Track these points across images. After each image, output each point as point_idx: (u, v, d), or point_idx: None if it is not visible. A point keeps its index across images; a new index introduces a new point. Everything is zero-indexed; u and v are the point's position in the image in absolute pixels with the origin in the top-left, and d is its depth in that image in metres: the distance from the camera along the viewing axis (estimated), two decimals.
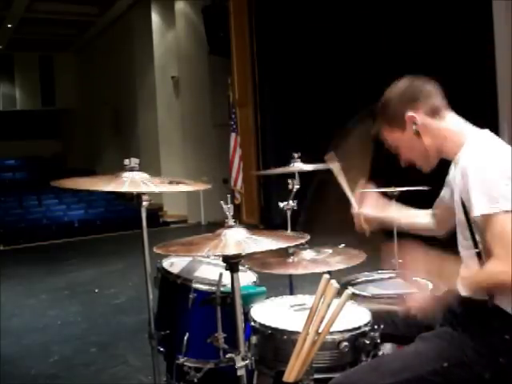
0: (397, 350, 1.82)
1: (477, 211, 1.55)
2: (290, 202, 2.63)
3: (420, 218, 2.07)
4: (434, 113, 1.73)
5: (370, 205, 2.12)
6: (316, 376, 1.70)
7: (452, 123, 1.74)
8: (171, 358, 2.11)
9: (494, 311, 1.61)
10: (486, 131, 1.72)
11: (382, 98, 1.79)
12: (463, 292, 1.71)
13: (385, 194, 2.57)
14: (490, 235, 1.54)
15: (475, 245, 1.63)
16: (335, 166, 2.24)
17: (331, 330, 1.60)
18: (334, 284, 1.55)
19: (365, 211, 2.11)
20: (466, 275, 1.66)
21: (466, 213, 1.62)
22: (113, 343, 4.28)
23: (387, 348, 1.94)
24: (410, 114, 1.73)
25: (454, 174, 1.73)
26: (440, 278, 1.72)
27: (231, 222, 1.73)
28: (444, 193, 1.90)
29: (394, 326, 1.93)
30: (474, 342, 1.62)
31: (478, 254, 1.63)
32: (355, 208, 2.15)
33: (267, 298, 2.13)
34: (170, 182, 2.05)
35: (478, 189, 1.55)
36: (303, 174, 2.71)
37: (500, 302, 1.60)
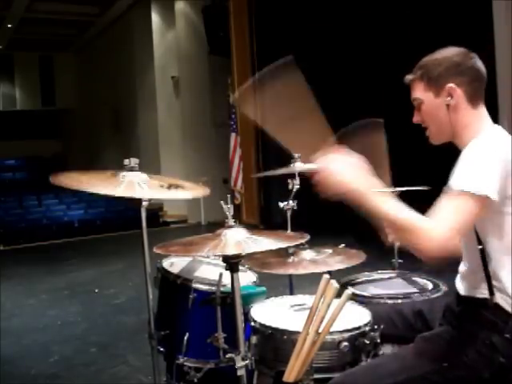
0: (396, 350, 1.82)
1: (451, 185, 1.53)
2: (290, 201, 2.63)
3: None
4: (472, 98, 1.68)
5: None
6: (316, 376, 1.70)
7: (479, 116, 1.69)
8: (171, 357, 2.11)
9: (493, 310, 1.61)
10: (498, 126, 1.70)
11: (436, 53, 1.72)
12: (462, 291, 1.72)
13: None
14: (439, 204, 1.51)
15: (479, 241, 1.62)
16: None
17: (331, 329, 1.60)
18: (334, 284, 1.55)
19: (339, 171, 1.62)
20: (386, 206, 1.55)
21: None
22: (113, 343, 4.27)
23: (387, 348, 1.94)
24: (452, 85, 1.67)
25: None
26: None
27: (231, 222, 1.73)
28: None
29: (394, 326, 1.93)
30: (473, 342, 1.62)
31: (481, 251, 1.62)
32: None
33: (267, 298, 2.13)
34: (169, 187, 2.03)
35: (460, 166, 1.55)
36: (303, 174, 2.71)
37: (500, 301, 1.60)
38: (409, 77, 1.75)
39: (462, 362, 1.60)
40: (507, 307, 1.59)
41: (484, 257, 1.62)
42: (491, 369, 1.59)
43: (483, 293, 1.63)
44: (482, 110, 1.71)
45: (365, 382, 1.62)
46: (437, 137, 1.75)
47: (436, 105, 1.70)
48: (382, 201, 1.55)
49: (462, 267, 1.74)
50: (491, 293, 1.61)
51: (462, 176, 1.52)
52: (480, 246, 1.62)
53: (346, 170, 1.57)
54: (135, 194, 1.95)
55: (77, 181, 1.96)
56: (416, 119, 1.76)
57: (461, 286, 1.73)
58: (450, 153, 1.79)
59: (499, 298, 1.60)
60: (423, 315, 1.92)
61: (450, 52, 1.71)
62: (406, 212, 1.53)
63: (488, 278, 1.61)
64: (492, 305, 1.61)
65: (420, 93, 1.73)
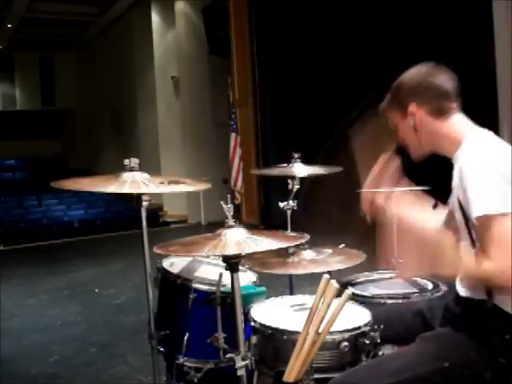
0: (397, 350, 1.82)
1: (475, 212, 1.54)
2: (290, 201, 2.63)
3: (431, 222, 1.98)
4: (438, 113, 1.72)
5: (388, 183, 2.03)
6: (316, 376, 1.70)
7: (454, 125, 1.72)
8: (171, 357, 2.11)
9: (493, 311, 1.61)
10: (485, 130, 1.71)
11: (399, 78, 1.78)
12: (462, 292, 1.71)
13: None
14: (488, 237, 1.52)
15: (473, 244, 1.63)
16: (355, 142, 2.21)
17: (331, 329, 1.60)
18: (334, 284, 1.55)
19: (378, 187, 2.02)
20: (466, 269, 1.63)
21: (464, 212, 1.62)
22: (113, 343, 4.28)
23: (387, 348, 1.94)
24: (412, 108, 1.72)
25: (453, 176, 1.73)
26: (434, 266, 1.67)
27: (231, 222, 1.73)
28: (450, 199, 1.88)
29: (394, 327, 1.92)
30: (474, 342, 1.62)
31: (476, 254, 1.63)
32: (366, 187, 2.07)
33: (267, 298, 2.13)
34: (170, 182, 2.05)
35: (475, 190, 1.54)
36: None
37: (499, 302, 1.60)
38: (381, 106, 1.84)
39: (463, 363, 1.60)
40: (506, 308, 1.59)
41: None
42: (492, 369, 1.59)
43: (482, 294, 1.63)
44: (457, 118, 1.73)
45: (365, 381, 1.62)
46: (416, 155, 1.81)
47: (405, 127, 1.77)
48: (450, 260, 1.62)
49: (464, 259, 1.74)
50: (489, 294, 1.61)
51: (489, 199, 1.52)
52: (475, 249, 1.62)
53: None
54: (141, 189, 1.97)
55: (79, 183, 1.98)
56: (399, 141, 1.84)
57: (460, 288, 1.73)
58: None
59: (498, 300, 1.60)
60: (423, 315, 1.92)
61: (412, 73, 1.76)
62: (471, 264, 1.58)
63: None
64: (491, 306, 1.61)
65: (392, 118, 1.81)
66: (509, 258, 1.47)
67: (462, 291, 1.71)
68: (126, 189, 1.95)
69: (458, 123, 1.72)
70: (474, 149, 1.61)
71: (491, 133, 1.70)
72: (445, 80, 1.72)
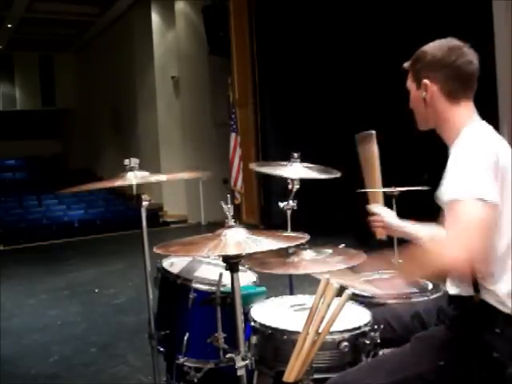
0: (393, 350, 1.82)
1: (446, 196, 1.53)
2: (290, 201, 2.63)
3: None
4: (450, 95, 1.69)
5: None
6: (316, 376, 1.70)
7: (460, 112, 1.69)
8: (171, 357, 2.11)
9: (480, 306, 1.61)
10: (483, 123, 1.70)
11: (425, 46, 1.74)
12: (451, 290, 1.72)
13: (384, 194, 2.57)
14: (448, 217, 1.51)
15: None
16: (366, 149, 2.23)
17: (331, 329, 1.60)
18: (334, 284, 1.55)
19: (387, 216, 2.14)
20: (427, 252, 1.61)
21: None
22: (113, 343, 4.28)
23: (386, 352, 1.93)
24: (426, 81, 1.70)
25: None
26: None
27: (231, 222, 1.72)
28: None
29: (392, 330, 1.93)
30: (466, 340, 1.62)
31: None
32: (375, 208, 2.16)
33: (267, 297, 2.13)
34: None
35: (451, 175, 1.55)
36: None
37: (486, 297, 1.60)
38: (405, 65, 1.81)
39: (458, 360, 1.61)
40: (494, 303, 1.60)
41: None
42: (486, 365, 1.59)
43: (469, 291, 1.63)
44: (465, 107, 1.70)
45: (363, 381, 1.63)
46: (420, 124, 1.80)
47: (417, 96, 1.76)
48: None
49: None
50: (476, 290, 1.61)
51: (460, 183, 1.51)
52: None
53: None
54: (142, 180, 2.05)
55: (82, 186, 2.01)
56: (410, 105, 1.82)
57: (449, 286, 1.74)
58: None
59: (485, 295, 1.60)
60: (420, 317, 1.93)
61: (437, 46, 1.72)
62: (426, 254, 1.58)
63: (472, 275, 1.61)
64: (479, 302, 1.61)
65: (409, 82, 1.80)
66: (460, 238, 1.44)
67: (451, 289, 1.72)
68: (128, 181, 2.01)
69: (465, 112, 1.70)
70: (466, 140, 1.61)
71: (490, 127, 1.69)
72: (468, 62, 1.68)
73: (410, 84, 1.78)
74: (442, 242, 1.51)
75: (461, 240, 1.44)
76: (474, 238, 1.45)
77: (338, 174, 2.64)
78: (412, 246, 1.80)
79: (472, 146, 1.58)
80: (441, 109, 1.70)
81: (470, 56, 1.68)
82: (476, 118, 1.71)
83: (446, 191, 1.55)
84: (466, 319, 1.64)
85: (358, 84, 6.95)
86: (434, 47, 1.71)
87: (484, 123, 1.70)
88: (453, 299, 1.71)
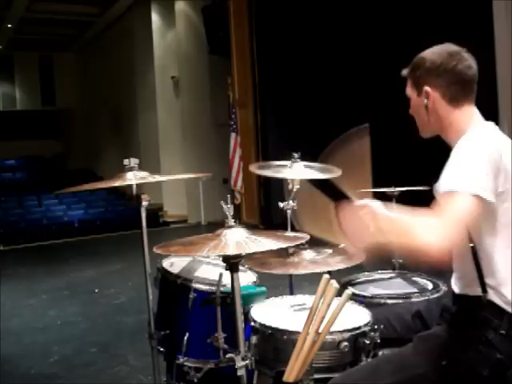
0: (395, 350, 1.82)
1: (441, 188, 1.53)
2: (290, 201, 2.63)
3: None
4: (452, 100, 1.68)
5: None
6: (316, 376, 1.70)
7: (464, 115, 1.69)
8: (171, 357, 2.11)
9: (488, 307, 1.61)
10: (489, 123, 1.70)
11: (423, 53, 1.74)
12: (457, 290, 1.72)
13: (384, 194, 2.57)
14: (441, 206, 1.49)
15: (470, 239, 1.62)
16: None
17: (331, 329, 1.60)
18: (334, 284, 1.55)
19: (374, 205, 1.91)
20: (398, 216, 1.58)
21: None
22: (113, 343, 4.27)
23: (387, 351, 1.93)
24: (427, 88, 1.69)
25: None
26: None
27: (231, 222, 1.72)
28: None
29: (393, 329, 1.93)
30: (470, 339, 1.62)
31: (473, 248, 1.62)
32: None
33: (267, 298, 2.13)
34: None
35: (454, 166, 1.54)
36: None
37: (493, 298, 1.60)
38: (403, 72, 1.80)
39: (461, 360, 1.61)
40: (501, 304, 1.60)
41: (476, 255, 1.62)
42: (489, 366, 1.59)
43: (476, 291, 1.63)
44: (468, 110, 1.70)
45: (364, 381, 1.62)
46: (422, 131, 1.79)
47: (418, 103, 1.75)
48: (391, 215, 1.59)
49: (455, 266, 1.74)
50: (484, 290, 1.61)
51: (456, 176, 1.51)
52: (471, 244, 1.62)
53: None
54: (143, 180, 2.06)
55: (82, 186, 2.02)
56: (410, 112, 1.81)
57: (455, 285, 1.74)
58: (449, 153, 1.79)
59: (492, 295, 1.60)
60: (421, 316, 1.92)
61: (436, 52, 1.72)
62: (409, 215, 1.52)
63: (480, 275, 1.61)
64: (485, 302, 1.61)
65: (408, 90, 1.79)
66: (445, 227, 1.43)
67: (457, 288, 1.72)
68: (129, 180, 2.02)
69: (468, 114, 1.70)
70: (468, 138, 1.61)
71: (497, 128, 1.69)
72: (467, 67, 1.68)
73: (410, 91, 1.77)
74: (424, 222, 1.45)
75: (444, 229, 1.43)
76: (456, 230, 1.45)
77: (338, 173, 2.64)
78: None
79: (474, 142, 1.59)
80: (443, 114, 1.70)
81: (469, 60, 1.69)
82: (480, 119, 1.71)
83: (444, 183, 1.54)
84: (471, 319, 1.64)
85: (358, 84, 6.95)
86: (433, 53, 1.71)
87: (490, 124, 1.70)
88: (458, 298, 1.70)
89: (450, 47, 1.71)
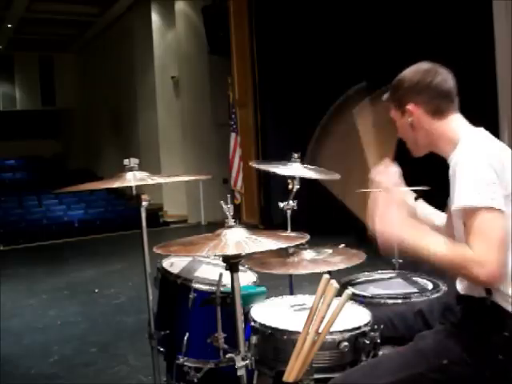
0: (396, 349, 1.82)
1: (459, 202, 1.54)
2: (290, 201, 2.63)
3: (438, 220, 1.96)
4: (436, 113, 1.72)
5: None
6: (316, 376, 1.70)
7: (451, 125, 1.72)
8: (171, 357, 2.12)
9: (492, 308, 1.61)
10: (481, 129, 1.71)
11: (400, 75, 1.78)
12: (461, 290, 1.72)
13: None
14: (469, 227, 1.52)
15: None
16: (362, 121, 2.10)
17: (331, 329, 1.60)
18: (334, 284, 1.55)
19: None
20: (442, 248, 1.58)
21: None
22: (113, 343, 4.28)
23: (388, 350, 1.93)
24: (410, 106, 1.73)
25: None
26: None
27: (231, 222, 1.72)
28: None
29: (395, 328, 1.92)
30: (473, 340, 1.62)
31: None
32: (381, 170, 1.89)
33: (267, 298, 2.13)
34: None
35: (463, 182, 1.55)
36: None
37: (498, 300, 1.60)
38: (384, 97, 1.84)
39: (462, 360, 1.61)
40: (505, 306, 1.60)
41: None
42: (491, 367, 1.59)
43: (480, 292, 1.63)
44: (453, 118, 1.73)
45: (365, 380, 1.62)
46: (415, 151, 1.82)
47: (403, 123, 1.78)
48: (425, 243, 1.59)
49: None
50: (488, 292, 1.61)
51: (476, 192, 1.52)
52: None
53: (390, 223, 1.63)
54: (144, 182, 2.06)
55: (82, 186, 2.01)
56: (398, 135, 1.84)
57: (459, 286, 1.74)
58: None
59: (497, 297, 1.60)
60: (423, 315, 1.92)
61: (412, 70, 1.77)
62: (449, 247, 1.56)
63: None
64: (490, 304, 1.61)
65: (392, 112, 1.82)
66: (491, 252, 1.47)
67: (462, 289, 1.72)
68: (127, 183, 2.00)
69: (455, 123, 1.73)
70: (466, 146, 1.62)
71: (487, 132, 1.70)
72: (444, 80, 1.73)
73: (394, 114, 1.81)
74: (469, 259, 1.48)
75: (489, 257, 1.47)
76: (498, 250, 1.48)
77: (338, 176, 2.64)
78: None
79: (475, 152, 1.59)
80: (430, 128, 1.73)
81: (444, 74, 1.74)
82: (469, 126, 1.73)
83: (457, 199, 1.55)
84: (475, 320, 1.64)
85: (358, 83, 6.95)
86: (410, 72, 1.77)
87: (481, 129, 1.71)
88: (462, 299, 1.70)
89: (424, 65, 1.76)
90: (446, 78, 1.73)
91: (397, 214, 1.65)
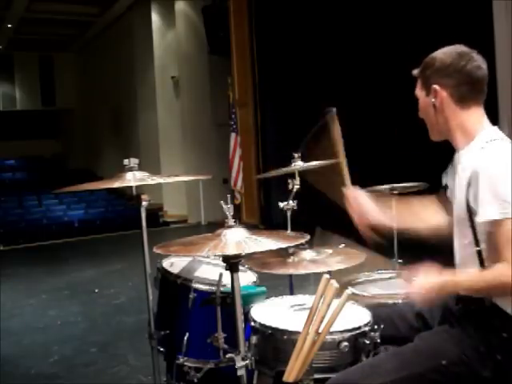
0: (395, 349, 1.82)
1: (487, 215, 1.54)
2: (290, 201, 2.63)
3: (426, 212, 1.96)
4: (460, 100, 1.69)
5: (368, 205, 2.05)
6: (316, 376, 1.70)
7: (472, 117, 1.69)
8: (171, 358, 2.12)
9: (491, 310, 1.61)
10: (496, 129, 1.70)
11: (433, 54, 1.75)
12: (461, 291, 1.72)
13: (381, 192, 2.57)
14: (500, 239, 1.52)
15: (476, 243, 1.62)
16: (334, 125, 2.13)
17: (331, 330, 1.60)
18: (334, 284, 1.55)
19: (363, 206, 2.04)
20: (465, 277, 1.64)
21: (470, 212, 1.61)
22: (113, 343, 4.27)
23: (388, 349, 1.93)
24: (436, 87, 1.70)
25: (458, 168, 1.70)
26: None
27: (231, 222, 1.72)
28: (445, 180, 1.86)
29: (395, 327, 1.92)
30: (471, 340, 1.62)
31: (479, 253, 1.62)
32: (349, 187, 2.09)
33: (267, 298, 2.13)
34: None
35: (488, 194, 1.53)
36: (303, 174, 2.70)
37: (498, 301, 1.60)
38: (414, 72, 1.80)
39: (461, 360, 1.61)
40: (504, 307, 1.60)
41: (481, 258, 1.62)
42: (490, 367, 1.59)
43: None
44: (475, 112, 1.70)
45: (364, 380, 1.62)
46: (431, 134, 1.79)
47: (427, 103, 1.75)
48: (460, 281, 1.64)
49: (460, 268, 1.73)
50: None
51: (503, 203, 1.52)
52: (478, 248, 1.62)
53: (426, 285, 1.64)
54: (144, 182, 2.06)
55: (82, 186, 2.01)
56: (419, 114, 1.81)
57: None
58: (450, 152, 1.79)
59: (496, 299, 1.60)
60: (423, 316, 1.92)
61: (446, 52, 1.72)
62: (482, 276, 1.58)
63: None
64: (489, 305, 1.61)
65: (418, 90, 1.79)
66: None
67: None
68: (127, 183, 2.01)
69: (476, 117, 1.70)
70: (492, 152, 1.60)
71: (501, 132, 1.69)
72: (477, 67, 1.68)
73: (419, 91, 1.77)
74: (506, 271, 1.49)
75: None
76: None
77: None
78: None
79: (498, 162, 1.57)
80: (451, 115, 1.70)
81: (479, 61, 1.69)
82: (487, 122, 1.72)
83: (487, 210, 1.54)
84: (473, 320, 1.64)
85: (358, 84, 6.95)
86: (444, 53, 1.72)
87: (496, 128, 1.71)
88: (461, 299, 1.70)
89: (460, 48, 1.72)
90: (479, 65, 1.68)
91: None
